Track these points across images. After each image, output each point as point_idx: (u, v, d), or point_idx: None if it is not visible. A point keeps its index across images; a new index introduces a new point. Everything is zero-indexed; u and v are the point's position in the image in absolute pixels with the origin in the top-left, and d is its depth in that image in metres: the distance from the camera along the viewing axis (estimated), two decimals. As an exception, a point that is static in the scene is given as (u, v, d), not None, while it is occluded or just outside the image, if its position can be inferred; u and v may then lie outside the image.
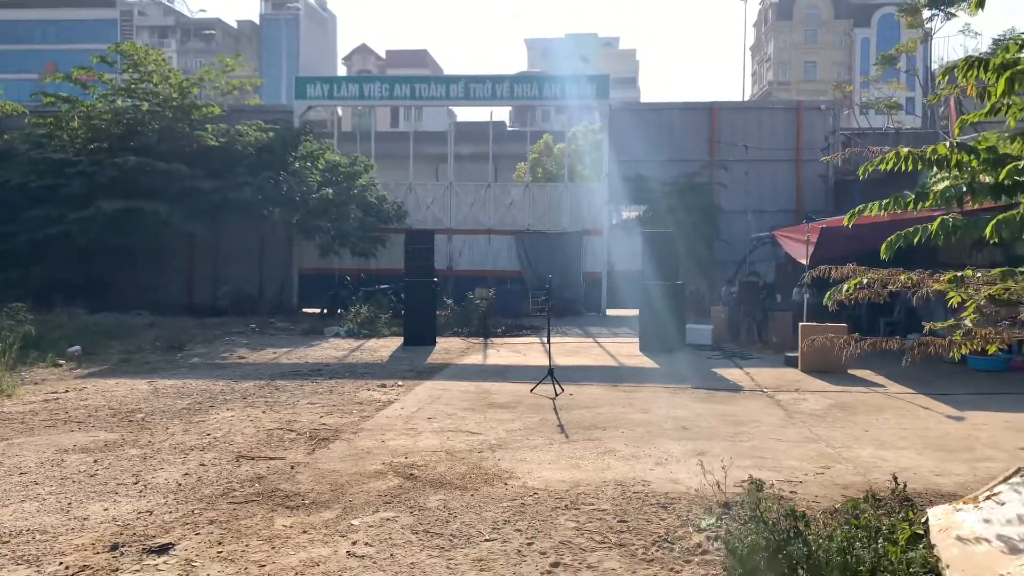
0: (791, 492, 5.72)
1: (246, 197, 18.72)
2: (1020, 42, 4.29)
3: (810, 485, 5.95)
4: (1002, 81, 3.61)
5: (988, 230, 3.70)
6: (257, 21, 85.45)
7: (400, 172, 25.18)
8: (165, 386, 10.34)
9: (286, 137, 20.78)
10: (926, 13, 28.18)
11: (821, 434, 7.70)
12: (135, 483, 6.00)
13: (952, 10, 25.29)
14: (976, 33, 60.82)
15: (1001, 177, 4.17)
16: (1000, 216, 3.74)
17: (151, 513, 5.29)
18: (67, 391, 10.04)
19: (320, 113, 31.04)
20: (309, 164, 20.55)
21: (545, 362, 10.46)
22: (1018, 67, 3.60)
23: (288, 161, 20.19)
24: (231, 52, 66.57)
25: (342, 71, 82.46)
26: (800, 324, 12.30)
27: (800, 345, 11.51)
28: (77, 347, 13.26)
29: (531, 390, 9.88)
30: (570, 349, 14.40)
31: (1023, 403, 8.99)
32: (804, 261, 13.17)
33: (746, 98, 64.90)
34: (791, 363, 12.11)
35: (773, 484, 5.80)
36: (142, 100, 20.09)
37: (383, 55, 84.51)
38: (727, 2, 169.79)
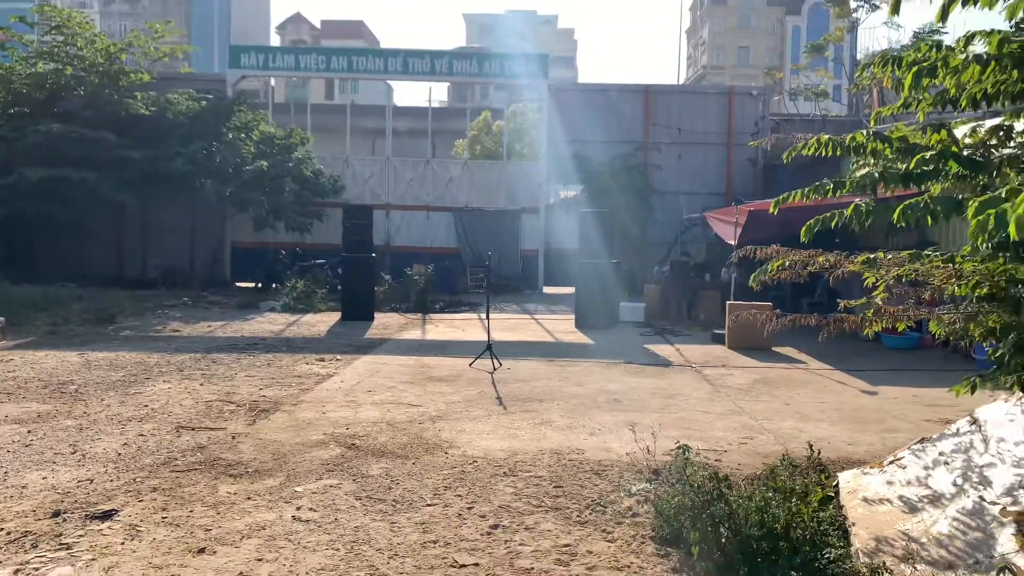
0: (716, 460, 6.06)
1: (178, 167, 18.31)
2: (931, 43, 4.63)
3: (734, 454, 6.31)
4: (909, 77, 3.92)
5: (896, 215, 4.01)
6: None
7: (336, 146, 24.91)
8: (97, 358, 10.17)
9: (219, 107, 20.35)
10: (853, 4, 29.15)
11: (745, 407, 8.11)
12: (73, 453, 5.98)
13: (876, 2, 26.23)
14: (899, 26, 62.87)
15: (911, 166, 4.49)
16: (906, 202, 4.06)
17: (91, 481, 5.31)
18: (-7, 363, 9.79)
19: (253, 83, 30.41)
20: (243, 135, 20.17)
21: (483, 337, 10.66)
22: (924, 64, 3.91)
23: (221, 132, 19.78)
24: (158, 16, 64.17)
25: (275, 40, 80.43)
26: (727, 303, 12.78)
27: (727, 322, 11.99)
28: (1, 318, 12.86)
29: (470, 364, 10.08)
30: (508, 325, 14.64)
31: (930, 378, 9.58)
32: (732, 242, 13.66)
33: (682, 81, 65.88)
34: (718, 340, 12.60)
35: (700, 453, 6.14)
36: (66, 64, 19.34)
37: (318, 25, 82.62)
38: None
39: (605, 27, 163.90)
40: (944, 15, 3.93)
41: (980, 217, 3.24)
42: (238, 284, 21.17)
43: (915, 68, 3.81)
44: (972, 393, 4.65)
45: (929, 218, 4.40)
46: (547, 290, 22.23)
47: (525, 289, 22.14)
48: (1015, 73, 3.79)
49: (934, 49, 4.46)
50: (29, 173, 17.50)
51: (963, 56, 3.78)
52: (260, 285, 19.69)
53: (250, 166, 19.18)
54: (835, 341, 12.01)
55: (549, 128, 22.77)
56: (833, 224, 4.70)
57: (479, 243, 21.89)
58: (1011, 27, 4.34)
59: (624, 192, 21.15)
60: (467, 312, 16.82)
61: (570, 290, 16.46)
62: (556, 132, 22.57)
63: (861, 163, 6.40)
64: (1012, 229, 2.90)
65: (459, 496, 5.11)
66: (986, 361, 4.77)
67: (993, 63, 3.68)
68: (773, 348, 11.89)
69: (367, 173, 23.34)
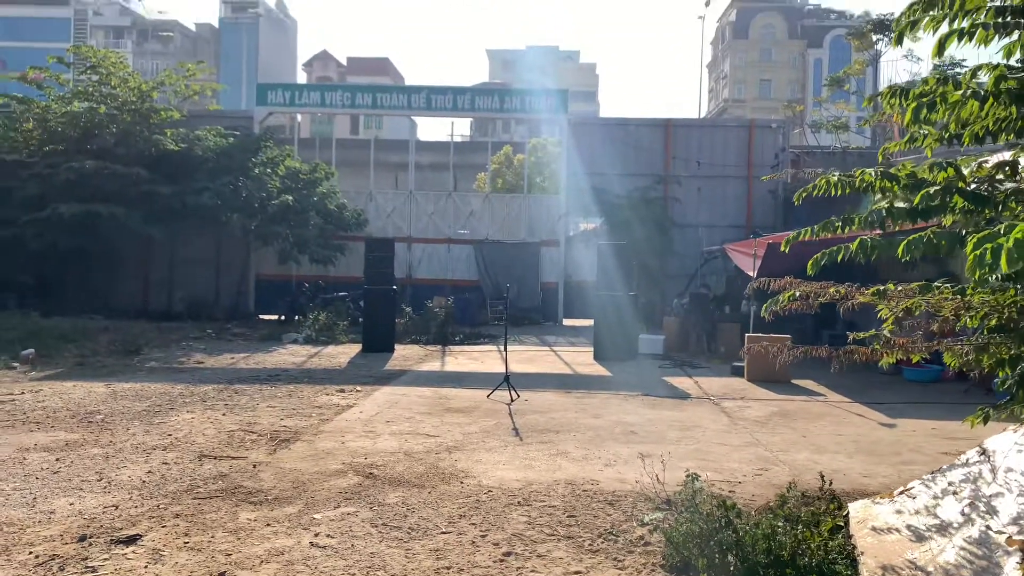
0: (730, 491, 6.09)
1: (205, 202, 18.72)
2: (938, 76, 4.74)
3: (748, 485, 6.34)
4: (909, 112, 4.03)
5: (900, 250, 4.09)
6: (216, 24, 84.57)
7: (360, 180, 25.31)
8: (123, 389, 10.39)
9: (246, 143, 20.84)
10: (874, 37, 29.31)
11: (762, 439, 8.12)
12: (99, 480, 6.14)
13: (918, 37, 26.26)
14: (918, 59, 63.03)
15: (916, 202, 4.59)
16: (911, 237, 4.15)
17: (117, 507, 5.45)
18: (23, 393, 10.04)
19: (280, 119, 31.05)
20: (269, 170, 20.60)
21: (502, 369, 10.76)
22: (924, 99, 4.01)
23: (248, 167, 20.22)
24: (189, 55, 65.82)
25: (302, 77, 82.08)
26: (746, 335, 12.79)
27: (746, 355, 11.99)
28: (31, 350, 13.16)
29: (487, 395, 10.17)
30: (526, 357, 14.72)
31: (949, 411, 9.52)
32: (752, 274, 13.71)
33: (703, 114, 66.20)
34: (737, 372, 12.60)
35: (714, 484, 6.18)
36: (99, 103, 19.94)
37: (344, 62, 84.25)
38: (686, 20, 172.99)
39: (627, 62, 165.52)
40: (940, 50, 4.05)
41: (977, 252, 3.33)
42: (262, 316, 21.46)
43: (913, 104, 3.92)
44: (985, 424, 4.69)
45: (939, 249, 4.48)
46: (567, 322, 22.31)
47: (545, 321, 22.24)
48: (1013, 110, 3.89)
49: (940, 83, 4.58)
50: (62, 208, 17.98)
51: (961, 92, 3.88)
52: (283, 317, 19.95)
53: (275, 200, 19.56)
54: (855, 374, 12.02)
55: (569, 161, 23.02)
56: (840, 258, 4.78)
57: (499, 275, 22.06)
58: (1017, 61, 4.44)
59: (644, 224, 21.26)
60: (487, 344, 16.94)
61: (590, 322, 16.55)
62: (576, 165, 22.81)
63: (879, 198, 6.49)
64: (1003, 262, 3.00)
65: (473, 524, 5.20)
66: (998, 392, 4.81)
67: (991, 99, 3.78)
68: (792, 381, 11.88)
69: (390, 207, 23.68)
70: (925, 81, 4.80)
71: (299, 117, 33.02)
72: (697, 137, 23.26)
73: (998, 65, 3.88)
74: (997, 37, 4.03)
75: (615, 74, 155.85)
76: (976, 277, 3.65)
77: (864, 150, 25.95)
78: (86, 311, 18.80)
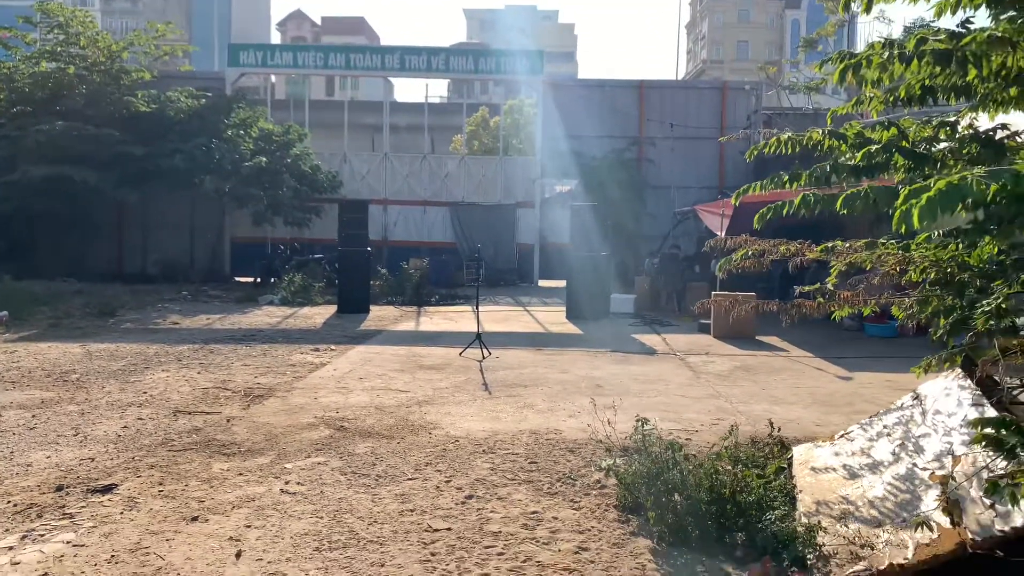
0: (687, 439, 6.36)
1: (177, 164, 18.60)
2: (884, 41, 4.92)
3: (704, 433, 6.62)
4: (836, 72, 4.22)
5: (839, 204, 4.30)
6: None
7: (335, 141, 25.20)
8: (98, 349, 10.49)
9: (218, 104, 20.67)
10: (849, -2, 29.26)
11: (722, 391, 8.41)
12: (75, 435, 6.30)
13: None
14: (890, 20, 63.00)
15: (858, 159, 4.80)
16: (848, 191, 4.36)
17: (93, 460, 5.63)
18: (-2, 354, 10.12)
19: (253, 80, 30.69)
20: (242, 132, 20.45)
21: (475, 328, 10.96)
22: (851, 60, 4.20)
23: (220, 128, 20.07)
24: (159, 14, 64.37)
25: (276, 37, 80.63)
26: (713, 293, 13.07)
27: (712, 312, 12.28)
28: (4, 312, 13.19)
29: (460, 353, 10.39)
30: (500, 317, 14.94)
31: (905, 364, 9.74)
32: (721, 234, 13.95)
33: (682, 75, 66.05)
34: (705, 330, 12.91)
35: (672, 432, 6.43)
36: (68, 63, 19.64)
37: (318, 21, 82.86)
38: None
39: (606, 22, 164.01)
40: (868, 6, 4.25)
41: (902, 208, 3.55)
42: (237, 279, 21.48)
43: (841, 65, 4.11)
44: (927, 373, 4.95)
45: (876, 204, 4.69)
46: (542, 283, 22.53)
47: (521, 283, 22.46)
48: (939, 69, 4.08)
49: (886, 47, 4.75)
50: (33, 171, 17.81)
51: (887, 54, 4.06)
52: (259, 280, 19.99)
53: (249, 162, 19.48)
54: (819, 331, 12.34)
55: (545, 123, 23.04)
56: (785, 212, 4.98)
57: (475, 237, 22.17)
58: (959, 25, 4.62)
59: (618, 186, 21.43)
60: (462, 305, 17.13)
61: (565, 283, 16.76)
62: (552, 127, 22.85)
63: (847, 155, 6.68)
64: (915, 219, 3.22)
65: (439, 471, 5.43)
66: (932, 341, 5.08)
67: (915, 61, 3.95)
68: (757, 337, 12.20)
69: (365, 169, 23.63)
70: (871, 46, 4.99)
71: (273, 78, 32.59)
72: (671, 99, 23.34)
73: (924, 27, 4.07)
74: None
75: (594, 34, 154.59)
76: (903, 231, 3.86)
77: (837, 110, 26.12)
78: (59, 275, 18.73)
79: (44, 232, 20.22)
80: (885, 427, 4.63)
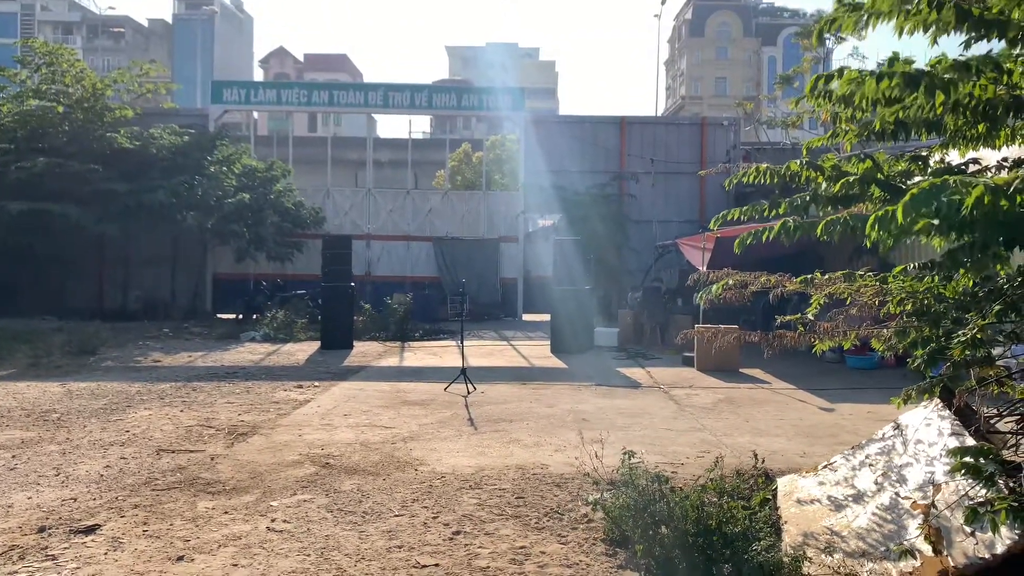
0: (673, 472, 6.37)
1: (160, 200, 18.59)
2: (855, 75, 5.09)
3: (690, 466, 6.64)
4: (808, 85, 4.36)
5: (819, 230, 4.41)
6: (170, 20, 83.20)
7: (318, 177, 25.32)
8: (79, 388, 10.39)
9: (201, 141, 20.74)
10: (824, 36, 29.96)
11: (707, 424, 8.45)
12: (56, 475, 6.23)
13: (843, 35, 27.03)
14: (864, 57, 64.45)
15: (836, 189, 4.94)
16: (827, 219, 4.47)
17: (75, 500, 5.56)
18: (-24, 393, 9.99)
19: (236, 116, 30.82)
20: (225, 168, 20.52)
21: (460, 364, 10.97)
22: (823, 77, 4.34)
23: (203, 165, 20.13)
24: (141, 51, 64.66)
25: (259, 74, 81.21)
26: (696, 326, 13.16)
27: (696, 345, 12.37)
28: (-18, 351, 13.06)
29: (445, 388, 10.38)
30: (485, 351, 14.95)
31: (886, 395, 9.84)
32: (702, 268, 14.10)
33: (661, 111, 67.00)
34: (688, 363, 12.98)
35: (659, 465, 6.46)
36: (53, 101, 19.67)
37: (301, 58, 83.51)
38: (643, 18, 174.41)
39: (586, 59, 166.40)
40: (820, 38, 4.42)
41: (879, 212, 3.68)
42: (219, 315, 21.36)
43: (812, 81, 4.25)
44: (906, 403, 5.03)
45: (853, 230, 4.80)
46: (526, 317, 22.59)
47: (504, 317, 22.51)
48: (908, 97, 4.21)
49: (855, 82, 4.90)
50: (11, 206, 17.72)
51: (858, 71, 4.21)
52: (241, 316, 19.90)
53: (232, 199, 19.51)
54: (800, 363, 12.46)
55: (527, 159, 23.29)
56: (764, 238, 5.09)
57: (459, 272, 22.26)
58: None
59: (601, 220, 21.65)
60: (446, 340, 17.13)
61: (549, 317, 16.83)
62: (534, 162, 23.09)
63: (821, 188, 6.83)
64: (899, 215, 3.32)
65: (425, 507, 5.41)
66: (911, 372, 5.16)
67: (886, 79, 4.07)
68: (741, 370, 12.27)
69: (348, 204, 23.73)
70: (840, 72, 5.15)
71: (256, 115, 32.77)
72: (652, 134, 23.70)
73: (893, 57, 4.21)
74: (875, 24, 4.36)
75: (574, 71, 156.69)
76: (876, 237, 3.94)
77: (813, 146, 26.57)
78: (39, 312, 18.58)
79: (23, 269, 20.08)
80: (868, 457, 4.69)
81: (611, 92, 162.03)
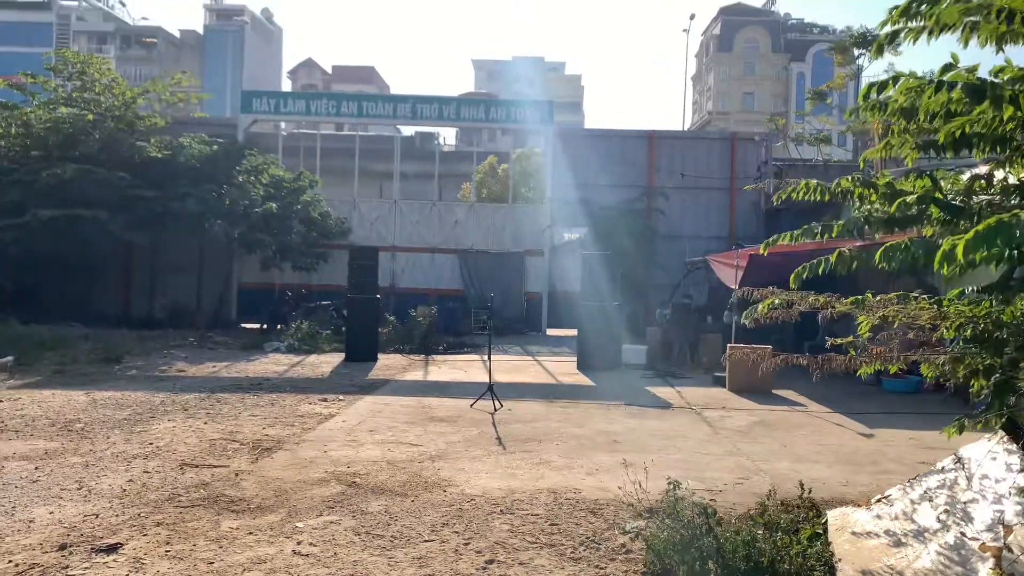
0: (711, 500, 6.11)
1: (188, 208, 18.63)
2: (913, 83, 4.84)
3: (729, 494, 6.38)
4: (862, 92, 4.13)
5: (877, 257, 4.17)
6: (201, 31, 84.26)
7: (344, 188, 25.30)
8: (103, 397, 10.31)
9: (230, 150, 20.78)
10: (855, 51, 29.69)
11: (743, 449, 8.18)
12: (79, 488, 6.10)
13: (900, 50, 26.76)
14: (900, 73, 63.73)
15: (892, 210, 4.68)
16: (886, 245, 4.23)
17: (97, 516, 5.42)
18: (1, 401, 9.94)
19: (264, 127, 30.97)
20: (253, 178, 20.55)
21: (485, 379, 10.78)
22: (876, 83, 4.11)
23: (232, 174, 20.17)
24: (173, 61, 65.51)
25: (287, 85, 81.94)
26: (728, 345, 12.88)
27: (727, 365, 12.08)
28: (9, 357, 13.05)
29: (471, 405, 10.18)
30: (510, 367, 14.74)
31: (927, 422, 9.63)
32: (734, 286, 13.81)
33: (687, 127, 66.68)
34: (720, 383, 12.68)
35: (695, 492, 6.20)
36: (84, 110, 19.82)
37: (329, 70, 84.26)
38: (671, 33, 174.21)
39: (612, 73, 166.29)
40: (879, 51, 4.19)
41: (946, 247, 3.44)
42: (244, 325, 21.34)
43: (865, 89, 4.04)
44: (960, 433, 4.76)
45: (915, 257, 4.56)
46: (551, 332, 22.35)
47: (529, 331, 22.27)
48: (970, 106, 3.98)
49: (913, 92, 4.66)
50: (42, 212, 17.81)
51: (916, 79, 3.98)
52: (265, 326, 19.85)
53: (259, 208, 19.51)
54: (835, 385, 12.12)
55: (554, 172, 23.13)
56: (820, 270, 4.86)
57: (484, 285, 22.09)
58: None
59: (628, 235, 21.41)
60: (470, 354, 16.95)
61: (574, 332, 16.60)
62: (561, 176, 22.92)
63: (858, 206, 6.60)
64: (959, 253, 3.09)
65: (456, 532, 5.21)
66: (976, 402, 4.89)
67: (945, 88, 3.85)
68: (773, 391, 11.96)
69: (374, 215, 23.67)
70: (895, 80, 4.91)
71: (283, 125, 32.89)
72: (681, 149, 23.45)
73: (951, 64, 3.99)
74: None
75: (600, 86, 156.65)
76: (945, 272, 3.71)
77: (846, 163, 26.21)
78: (66, 318, 18.63)
79: (52, 276, 20.19)
80: (927, 491, 4.43)
81: (637, 107, 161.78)
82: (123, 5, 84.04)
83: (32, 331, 16.14)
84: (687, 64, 77.16)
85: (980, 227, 3.21)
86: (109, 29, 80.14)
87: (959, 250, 3.10)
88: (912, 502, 4.45)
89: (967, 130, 4.44)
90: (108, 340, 16.08)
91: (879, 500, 4.65)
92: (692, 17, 73.08)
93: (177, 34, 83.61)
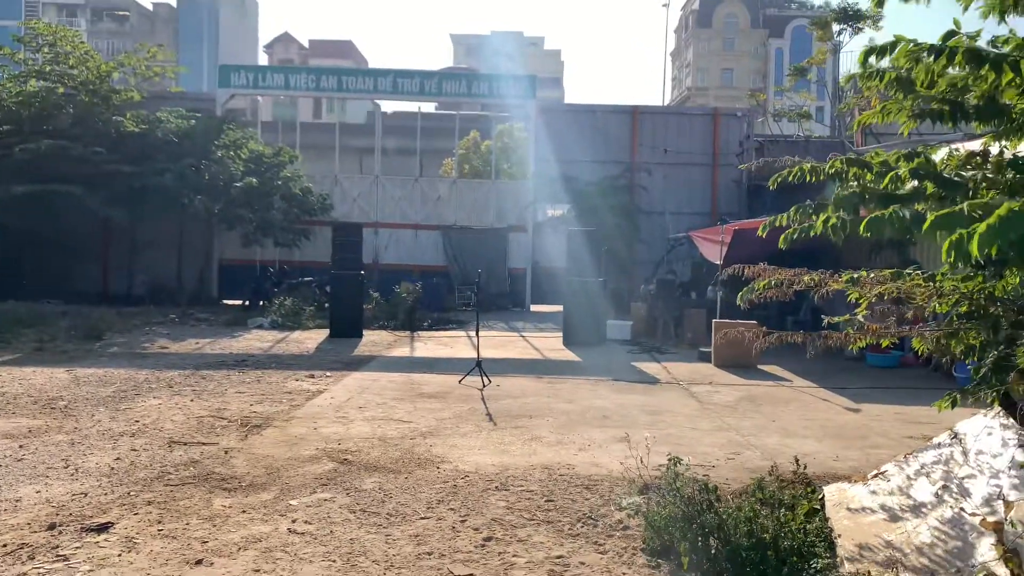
0: (705, 475, 6.12)
1: (166, 183, 18.31)
2: (913, 48, 4.81)
3: (722, 469, 6.41)
4: (861, 54, 4.10)
5: (861, 228, 4.17)
6: (175, 3, 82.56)
7: (325, 164, 25.01)
8: (86, 374, 10.16)
9: (209, 125, 20.43)
10: (835, 27, 29.66)
11: (732, 423, 8.22)
12: (65, 467, 6.00)
13: (860, 25, 26.73)
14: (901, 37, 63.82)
15: (884, 184, 4.68)
16: (872, 215, 4.22)
17: (86, 495, 5.34)
18: (-19, 379, 9.77)
19: (241, 102, 30.47)
20: (232, 153, 20.23)
21: (472, 355, 10.74)
22: (876, 46, 4.08)
23: (210, 149, 19.84)
24: (146, 35, 64.25)
25: (263, 59, 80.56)
26: (713, 321, 12.93)
27: (713, 340, 12.13)
28: (-14, 335, 12.84)
29: (459, 381, 10.15)
30: (496, 343, 14.72)
31: (912, 396, 9.73)
32: (718, 261, 13.84)
33: (667, 102, 66.53)
34: (705, 358, 12.73)
35: (689, 467, 6.24)
36: (56, 83, 19.36)
37: (306, 44, 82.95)
38: (650, 8, 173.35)
39: (591, 49, 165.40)
40: (879, 3, 4.14)
41: (954, 237, 3.39)
42: (225, 301, 21.14)
43: (864, 49, 4.01)
44: (952, 408, 4.79)
45: (902, 227, 4.55)
46: (535, 308, 22.34)
47: (513, 307, 22.24)
48: (969, 74, 3.95)
49: (911, 56, 4.62)
50: (15, 188, 17.43)
51: (913, 42, 3.95)
52: (247, 302, 19.66)
53: (239, 183, 19.23)
54: (819, 359, 12.20)
55: (537, 148, 22.98)
56: (812, 233, 4.85)
57: (467, 261, 22.01)
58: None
59: (611, 211, 21.38)
60: (455, 330, 16.90)
61: (558, 308, 16.59)
62: (544, 152, 22.78)
63: (844, 187, 6.58)
64: (974, 247, 3.06)
65: (452, 510, 5.18)
66: (969, 378, 4.91)
67: (944, 54, 3.81)
68: (758, 366, 12.03)
69: (356, 191, 23.44)
70: (893, 46, 4.86)
71: (261, 99, 32.45)
72: (663, 125, 23.38)
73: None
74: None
75: (580, 60, 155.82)
76: (951, 261, 3.70)
77: (827, 139, 26.31)
78: (44, 295, 18.34)
79: (28, 252, 19.84)
80: (923, 466, 4.45)
81: (617, 82, 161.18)
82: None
83: (9, 308, 15.86)
84: (667, 39, 76.82)
85: (992, 220, 3.17)
86: (79, 1, 78.29)
87: (973, 245, 3.04)
88: (908, 477, 4.48)
89: (969, 83, 4.42)
90: (88, 317, 15.81)
91: (875, 475, 4.68)
92: (673, -8, 72.68)
93: (150, 7, 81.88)
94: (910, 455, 4.69)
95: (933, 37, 4.32)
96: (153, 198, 18.72)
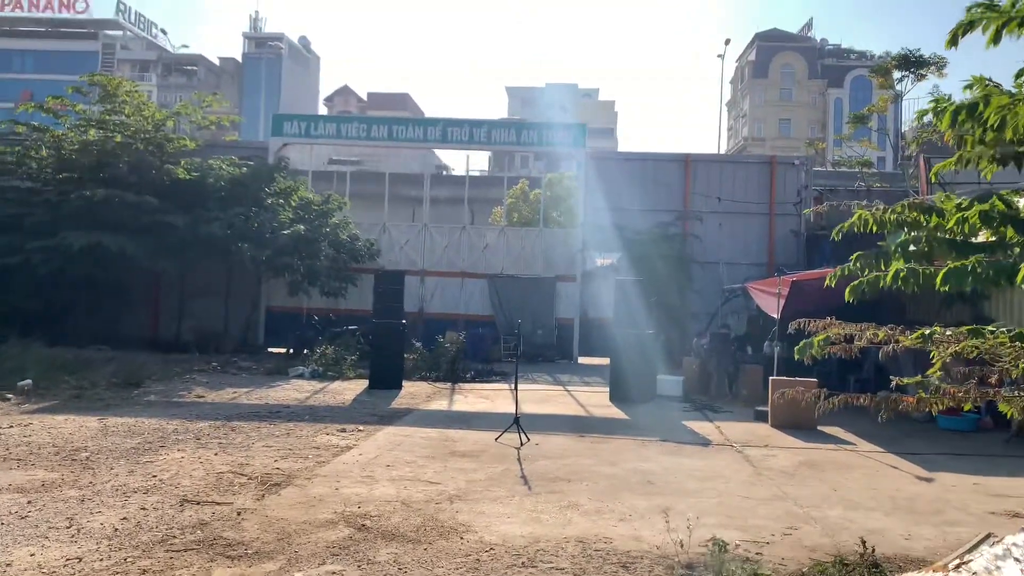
0: (757, 553, 5.50)
1: (215, 232, 18.39)
2: (985, 84, 4.27)
3: (777, 546, 5.74)
4: (947, 116, 3.61)
5: (939, 280, 3.63)
6: (239, 59, 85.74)
7: (375, 213, 25.04)
8: (116, 424, 9.94)
9: (260, 173, 20.58)
10: (896, 75, 28.91)
11: (789, 492, 7.51)
12: (68, 527, 5.66)
13: (923, 72, 25.95)
14: (949, 97, 62.56)
15: (950, 224, 4.17)
16: (951, 265, 3.69)
17: (80, 560, 4.96)
18: (11, 426, 9.61)
19: (296, 152, 30.96)
20: (282, 201, 20.32)
21: (512, 409, 10.20)
22: (964, 104, 3.59)
23: (261, 197, 19.94)
24: (212, 88, 66.61)
25: (323, 112, 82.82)
26: (771, 378, 12.18)
27: (770, 399, 11.38)
28: (28, 380, 12.81)
29: (496, 439, 9.62)
30: (539, 397, 14.16)
31: (992, 465, 8.87)
32: (775, 314, 13.13)
33: (722, 152, 65.92)
34: (761, 417, 11.96)
35: (739, 544, 5.61)
36: (113, 131, 19.80)
37: (364, 97, 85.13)
38: (705, 59, 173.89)
39: (646, 100, 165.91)
40: (953, 42, 3.71)
41: None
42: (271, 349, 21.03)
43: (952, 107, 3.49)
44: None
45: (986, 280, 4.03)
46: (582, 360, 21.70)
47: (560, 359, 21.64)
48: None
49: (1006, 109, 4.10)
50: (71, 239, 17.67)
51: (1010, 95, 3.43)
52: (291, 351, 19.50)
53: (287, 231, 19.23)
54: (885, 421, 11.32)
55: (587, 196, 22.59)
56: (881, 285, 4.30)
57: (513, 310, 21.53)
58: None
59: (663, 261, 20.79)
60: (498, 382, 16.39)
61: (606, 361, 15.96)
62: (594, 200, 22.38)
63: (907, 236, 6.00)
64: None
65: (471, 589, 4.65)
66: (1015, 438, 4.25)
67: None
68: (819, 427, 11.22)
69: (403, 239, 23.31)
70: (970, 86, 4.34)
71: (314, 149, 32.94)
72: (717, 173, 22.79)
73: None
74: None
75: (634, 112, 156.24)
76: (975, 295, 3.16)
77: (889, 188, 25.39)
78: (93, 341, 18.45)
79: (80, 297, 20.05)
80: (1011, 551, 3.78)
81: (671, 133, 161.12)
82: (164, 34, 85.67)
83: (56, 354, 15.90)
84: (722, 90, 76.43)
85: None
86: (152, 57, 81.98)
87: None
88: (997, 566, 3.81)
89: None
90: (132, 364, 15.79)
91: (958, 565, 4.01)
92: (727, 42, 72.18)
93: (217, 62, 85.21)
94: (997, 541, 4.01)
95: (996, 73, 3.84)
96: (202, 246, 18.81)
